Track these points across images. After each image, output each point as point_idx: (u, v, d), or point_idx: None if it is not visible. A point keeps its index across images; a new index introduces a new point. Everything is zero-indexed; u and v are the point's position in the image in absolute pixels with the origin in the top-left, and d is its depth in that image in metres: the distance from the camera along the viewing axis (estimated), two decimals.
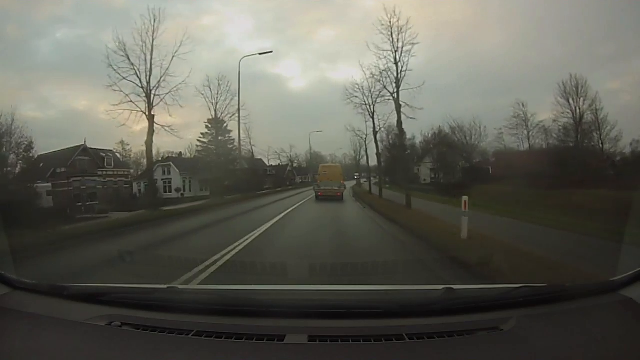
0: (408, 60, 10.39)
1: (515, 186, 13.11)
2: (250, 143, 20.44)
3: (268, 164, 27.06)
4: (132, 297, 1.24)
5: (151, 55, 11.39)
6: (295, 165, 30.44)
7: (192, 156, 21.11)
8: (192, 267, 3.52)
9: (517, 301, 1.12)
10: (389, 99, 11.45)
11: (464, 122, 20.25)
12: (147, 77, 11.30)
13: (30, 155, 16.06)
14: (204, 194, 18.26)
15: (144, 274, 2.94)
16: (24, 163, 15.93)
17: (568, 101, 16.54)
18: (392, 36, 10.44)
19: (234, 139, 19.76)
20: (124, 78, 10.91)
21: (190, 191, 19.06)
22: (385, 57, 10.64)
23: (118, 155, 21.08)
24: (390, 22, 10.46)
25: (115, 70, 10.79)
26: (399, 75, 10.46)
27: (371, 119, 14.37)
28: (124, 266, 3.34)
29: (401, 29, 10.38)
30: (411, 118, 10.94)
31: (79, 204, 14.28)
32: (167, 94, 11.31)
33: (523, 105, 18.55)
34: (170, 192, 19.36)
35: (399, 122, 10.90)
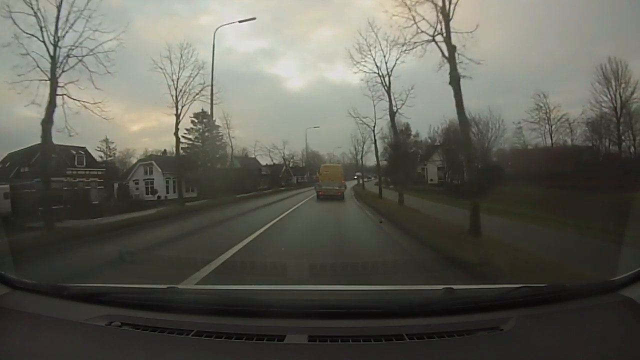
0: None
1: (541, 187, 11.58)
2: (227, 129, 18.00)
3: (265, 164, 25.80)
4: (132, 297, 1.24)
5: None
6: (291, 164, 28.86)
7: (182, 154, 19.04)
8: None
9: (517, 301, 1.12)
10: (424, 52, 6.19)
11: (480, 115, 17.57)
12: (55, 26, 7.20)
13: None
14: (190, 195, 16.82)
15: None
16: None
17: (607, 88, 14.20)
18: None
19: (222, 135, 18.42)
20: (25, 32, 6.94)
21: (175, 192, 17.35)
22: None
23: (101, 153, 19.76)
24: None
25: (15, 22, 6.94)
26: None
27: (386, 94, 10.32)
28: None
29: None
30: (464, 77, 5.54)
31: (41, 208, 12.73)
32: (85, 55, 7.23)
33: (544, 96, 16.07)
34: (152, 193, 18.29)
35: (454, 77, 5.58)
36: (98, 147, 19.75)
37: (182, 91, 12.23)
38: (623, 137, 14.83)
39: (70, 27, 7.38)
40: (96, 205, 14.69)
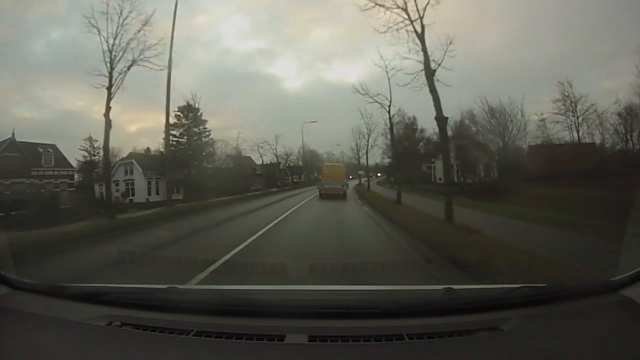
0: None
1: (575, 188, 9.41)
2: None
3: (261, 163, 23.94)
4: (132, 297, 1.24)
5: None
6: (289, 163, 26.90)
7: (162, 152, 16.97)
8: None
9: (517, 301, 1.12)
10: None
11: (499, 103, 15.18)
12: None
13: None
14: (176, 197, 15.31)
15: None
16: None
17: None
18: None
19: (209, 130, 17.00)
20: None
21: (158, 194, 16.13)
22: None
23: (85, 152, 17.66)
24: None
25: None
26: None
27: (419, 42, 6.93)
28: None
29: None
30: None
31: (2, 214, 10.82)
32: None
33: (569, 85, 13.81)
34: (133, 195, 16.62)
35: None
36: (82, 145, 18.11)
37: (119, 52, 9.36)
38: None
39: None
40: (65, 209, 13.14)
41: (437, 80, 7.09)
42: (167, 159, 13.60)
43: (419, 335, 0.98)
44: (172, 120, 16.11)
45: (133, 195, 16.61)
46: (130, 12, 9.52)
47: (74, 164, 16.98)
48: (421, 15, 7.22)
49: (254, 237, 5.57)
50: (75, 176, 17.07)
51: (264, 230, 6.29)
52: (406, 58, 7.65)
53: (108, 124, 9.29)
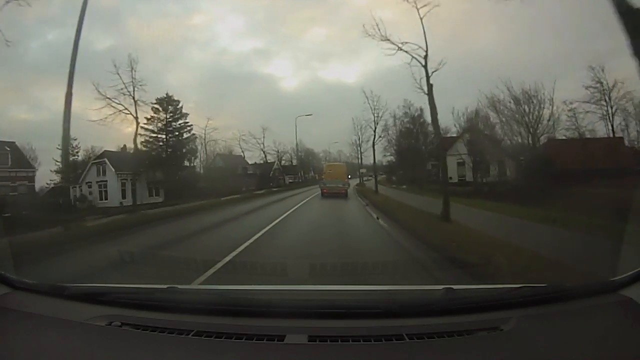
0: None
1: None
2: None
3: (254, 162, 22.05)
4: (132, 297, 1.24)
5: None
6: (283, 162, 25.07)
7: (141, 149, 15.23)
8: None
9: (517, 301, 1.12)
10: None
11: (526, 89, 12.72)
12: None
13: None
14: (154, 200, 14.18)
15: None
16: None
17: None
18: None
19: (191, 125, 15.24)
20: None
21: (133, 197, 14.52)
22: None
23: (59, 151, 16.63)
24: None
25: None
26: None
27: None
28: None
29: None
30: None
31: None
32: None
33: (601, 70, 11.91)
34: (106, 199, 14.81)
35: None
36: (59, 145, 16.79)
37: None
38: None
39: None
40: (18, 217, 10.33)
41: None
42: (137, 157, 12.84)
43: (419, 335, 0.99)
44: (149, 113, 14.86)
45: (106, 198, 14.86)
46: None
47: (52, 164, 15.28)
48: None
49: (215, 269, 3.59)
50: (55, 177, 15.24)
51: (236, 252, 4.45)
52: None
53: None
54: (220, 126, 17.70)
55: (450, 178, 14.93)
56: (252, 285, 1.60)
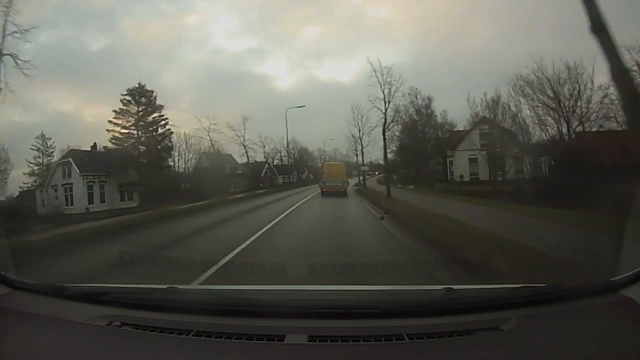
0: None
1: None
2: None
3: (245, 161, 20.12)
4: (132, 297, 1.24)
5: None
6: (276, 162, 23.40)
7: (112, 148, 13.79)
8: None
9: (517, 301, 1.13)
10: None
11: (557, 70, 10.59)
12: None
13: None
14: (127, 205, 12.57)
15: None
16: None
17: None
18: None
19: (166, 119, 13.69)
20: None
21: (104, 202, 12.86)
22: None
23: (36, 152, 14.43)
24: None
25: None
26: None
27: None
28: None
29: None
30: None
31: None
32: None
33: None
34: (71, 204, 12.80)
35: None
36: (33, 145, 14.92)
37: None
38: None
39: None
40: None
41: None
42: (107, 156, 11.24)
43: (419, 335, 0.99)
44: (119, 106, 13.38)
45: (72, 203, 12.94)
46: None
47: (25, 166, 13.98)
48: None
49: None
50: (28, 181, 14.04)
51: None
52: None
53: None
54: (214, 126, 16.19)
55: (461, 176, 13.41)
56: (252, 285, 1.60)
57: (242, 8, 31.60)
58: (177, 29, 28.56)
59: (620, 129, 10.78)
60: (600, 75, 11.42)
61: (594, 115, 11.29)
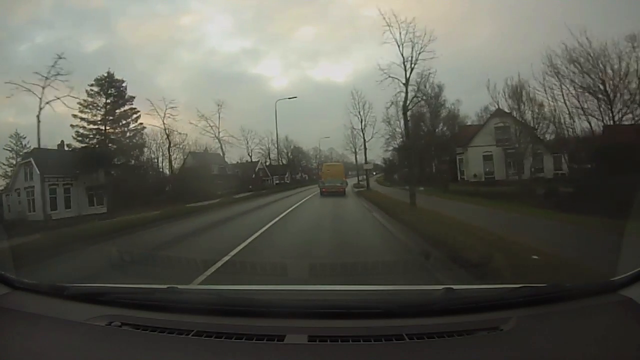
0: None
1: None
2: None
3: (236, 161, 19.31)
4: (132, 297, 1.24)
5: None
6: (268, 162, 21.94)
7: (80, 147, 11.77)
8: None
9: (517, 301, 1.13)
10: None
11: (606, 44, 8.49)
12: None
13: None
14: (96, 210, 10.96)
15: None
16: None
17: None
18: None
19: (138, 111, 11.89)
20: None
21: (69, 208, 11.27)
22: None
23: (9, 151, 12.86)
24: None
25: None
26: None
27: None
28: None
29: None
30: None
31: None
32: None
33: None
34: (34, 210, 11.18)
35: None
36: (7, 145, 13.54)
37: None
38: None
39: None
40: None
41: None
42: (73, 155, 9.44)
43: (419, 335, 0.99)
44: (83, 97, 11.47)
45: (35, 209, 11.30)
46: None
47: None
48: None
49: None
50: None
51: None
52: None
53: None
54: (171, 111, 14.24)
55: (475, 175, 11.65)
56: (252, 285, 1.61)
57: (237, 8, 32.12)
58: (172, 30, 29.04)
59: None
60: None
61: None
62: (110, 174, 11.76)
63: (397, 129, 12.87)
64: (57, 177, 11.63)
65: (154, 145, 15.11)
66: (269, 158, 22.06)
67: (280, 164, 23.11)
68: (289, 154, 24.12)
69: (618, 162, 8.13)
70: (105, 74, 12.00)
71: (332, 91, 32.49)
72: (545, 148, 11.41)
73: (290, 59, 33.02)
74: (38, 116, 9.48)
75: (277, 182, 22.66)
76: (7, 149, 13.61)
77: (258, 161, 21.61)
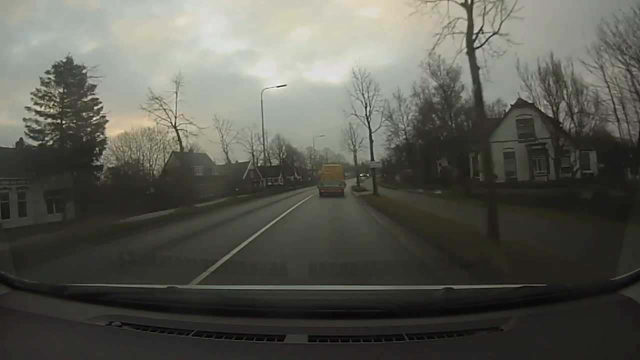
0: None
1: None
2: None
3: (227, 162, 17.63)
4: (132, 297, 1.24)
5: None
6: (260, 163, 20.23)
7: (40, 144, 9.99)
8: None
9: (517, 301, 1.13)
10: None
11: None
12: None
13: None
14: (52, 219, 9.40)
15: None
16: None
17: None
18: None
19: (101, 102, 10.25)
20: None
21: (23, 215, 9.71)
22: None
23: None
24: None
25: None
26: None
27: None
28: None
29: None
30: None
31: None
32: None
33: None
34: None
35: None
36: None
37: None
38: None
39: None
40: None
41: None
42: (26, 155, 7.64)
43: (419, 335, 0.99)
44: (37, 86, 9.47)
45: None
46: None
47: None
48: None
49: None
50: None
51: None
52: None
53: None
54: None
55: (495, 176, 7.90)
56: (252, 285, 1.61)
57: (231, 9, 31.95)
58: (167, 31, 28.56)
59: None
60: None
61: None
62: (72, 176, 10.17)
63: (400, 125, 11.40)
64: (8, 180, 10.03)
65: (134, 145, 14.12)
66: (253, 156, 19.98)
67: (270, 164, 21.03)
68: (282, 154, 22.73)
69: None
70: (64, 60, 10.25)
71: (327, 92, 32.85)
72: (574, 144, 9.47)
73: (285, 60, 33.50)
74: None
75: (270, 184, 20.88)
76: None
77: (248, 162, 20.15)
